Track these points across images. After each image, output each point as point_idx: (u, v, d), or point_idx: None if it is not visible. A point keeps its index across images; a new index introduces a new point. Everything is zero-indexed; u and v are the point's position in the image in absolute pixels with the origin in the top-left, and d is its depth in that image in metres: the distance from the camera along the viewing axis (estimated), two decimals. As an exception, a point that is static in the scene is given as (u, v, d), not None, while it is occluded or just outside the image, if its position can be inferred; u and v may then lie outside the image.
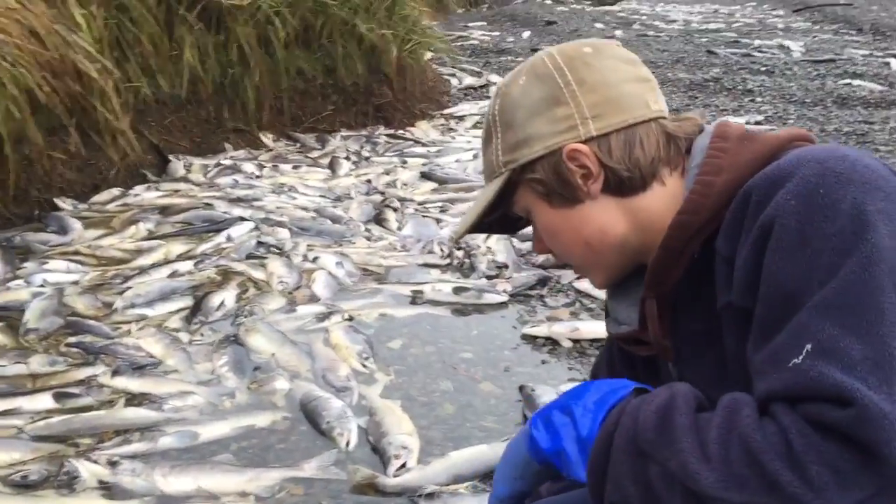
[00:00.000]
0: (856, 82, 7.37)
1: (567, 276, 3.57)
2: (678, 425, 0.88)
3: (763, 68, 8.16)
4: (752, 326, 0.93)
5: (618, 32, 10.82)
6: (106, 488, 2.15)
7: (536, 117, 1.11)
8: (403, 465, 2.28)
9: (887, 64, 8.25)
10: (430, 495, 2.13)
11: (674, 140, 1.10)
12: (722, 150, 1.05)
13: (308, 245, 3.90)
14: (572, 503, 1.18)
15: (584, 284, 3.48)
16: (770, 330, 0.89)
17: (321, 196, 4.67)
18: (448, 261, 3.79)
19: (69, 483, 2.14)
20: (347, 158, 5.37)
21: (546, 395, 2.59)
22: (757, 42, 9.90)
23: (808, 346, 0.84)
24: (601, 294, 3.37)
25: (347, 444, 2.40)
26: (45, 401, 2.52)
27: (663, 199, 1.09)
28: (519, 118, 1.13)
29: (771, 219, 0.91)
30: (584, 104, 1.09)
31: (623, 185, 1.09)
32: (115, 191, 4.55)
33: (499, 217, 1.20)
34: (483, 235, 4.01)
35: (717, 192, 1.02)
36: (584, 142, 1.09)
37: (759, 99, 6.90)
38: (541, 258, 3.76)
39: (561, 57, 1.12)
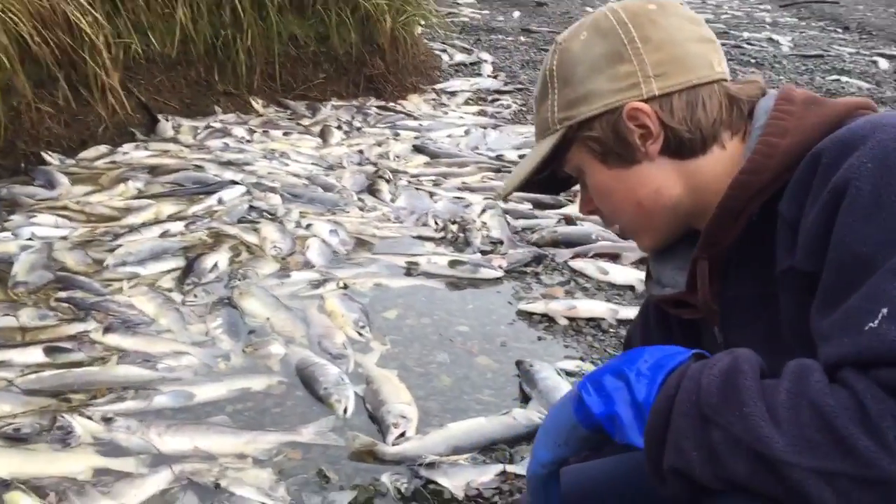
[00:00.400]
0: (844, 79, 7.42)
1: (562, 254, 3.56)
2: (744, 389, 0.86)
3: (752, 60, 8.18)
4: (816, 291, 0.91)
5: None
6: (101, 444, 2.11)
7: (597, 74, 1.08)
8: (402, 434, 2.26)
9: (874, 62, 8.31)
10: (430, 465, 2.11)
11: (736, 103, 1.08)
12: (787, 112, 1.03)
13: (301, 212, 3.86)
14: (607, 468, 1.17)
15: (579, 263, 3.47)
16: (840, 294, 0.87)
17: (313, 164, 4.61)
18: (442, 234, 3.77)
19: (63, 438, 2.09)
20: (339, 128, 5.31)
21: (544, 370, 2.58)
22: (746, 34, 9.92)
23: (885, 311, 0.82)
24: (596, 274, 3.39)
25: (345, 410, 2.38)
26: (35, 354, 2.47)
27: (722, 162, 1.07)
28: (578, 74, 1.10)
29: (845, 181, 0.89)
30: (647, 62, 1.07)
31: (683, 146, 1.07)
32: (103, 148, 4.47)
33: (546, 176, 1.17)
34: (477, 210, 3.99)
35: (781, 154, 1.00)
36: (646, 101, 1.07)
37: (749, 90, 6.90)
38: (535, 236, 3.76)
39: (625, 13, 1.10)
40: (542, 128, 1.15)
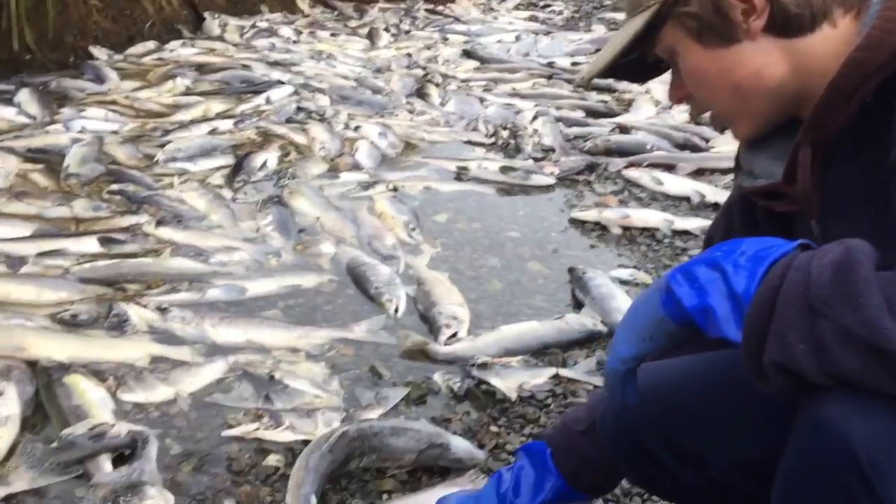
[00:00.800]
0: None
1: (616, 163, 3.48)
2: (860, 280, 0.80)
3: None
4: None
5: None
6: (156, 333, 2.12)
7: None
8: (454, 335, 2.24)
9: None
10: (483, 366, 2.10)
11: None
12: None
13: (349, 114, 3.80)
14: (688, 366, 1.12)
15: (633, 173, 3.39)
16: None
17: (361, 66, 4.53)
18: (493, 140, 3.70)
19: (119, 325, 2.11)
20: (387, 30, 5.20)
21: (598, 277, 2.54)
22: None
23: None
24: (651, 184, 3.31)
25: (396, 310, 2.36)
26: (90, 244, 2.48)
27: (832, 42, 0.98)
28: None
29: None
30: None
31: (789, 23, 0.98)
32: (150, 44, 4.43)
33: (633, 61, 1.09)
34: (528, 117, 3.89)
35: None
36: None
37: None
38: (588, 144, 3.67)
39: None
40: (634, 4, 1.06)
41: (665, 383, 1.11)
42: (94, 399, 1.82)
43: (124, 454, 1.68)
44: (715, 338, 0.89)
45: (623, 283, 2.57)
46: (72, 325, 2.10)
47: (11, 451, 1.67)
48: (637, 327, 0.98)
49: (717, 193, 3.20)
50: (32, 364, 1.93)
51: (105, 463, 1.65)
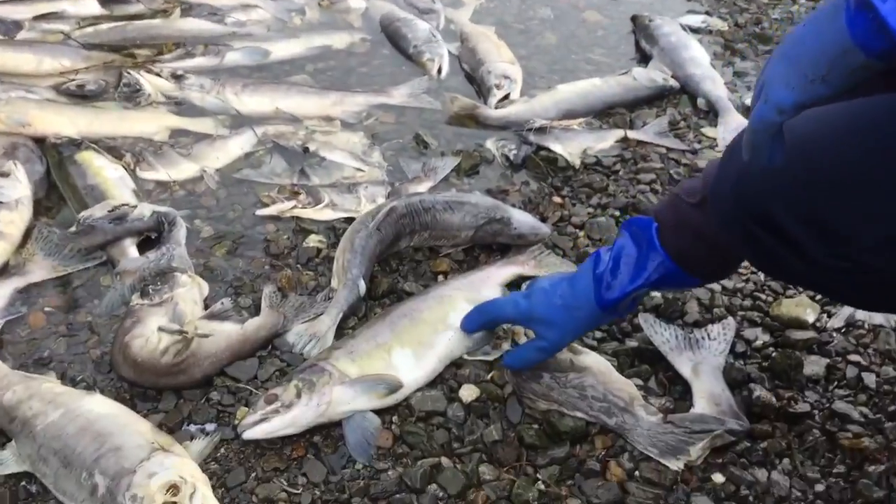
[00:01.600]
0: None
1: None
2: None
3: None
4: None
5: None
6: (174, 104, 1.89)
7: None
8: (506, 97, 2.00)
9: None
10: (540, 130, 1.86)
11: None
12: None
13: None
14: (838, 115, 0.87)
15: None
16: None
17: None
18: None
19: (131, 95, 1.88)
20: None
21: (667, 25, 2.24)
22: None
23: None
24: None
25: (439, 70, 2.12)
26: (90, 5, 2.22)
27: None
28: None
29: None
30: None
31: None
32: None
33: None
34: None
35: None
36: None
37: None
38: None
39: None
40: None
41: (803, 138, 0.85)
42: (111, 178, 1.64)
43: (150, 238, 1.52)
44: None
45: (694, 31, 2.29)
46: (79, 96, 1.88)
47: (26, 238, 1.50)
48: (805, 64, 0.73)
49: (802, -76, 2.78)
50: (39, 141, 1.73)
51: (130, 248, 1.49)
